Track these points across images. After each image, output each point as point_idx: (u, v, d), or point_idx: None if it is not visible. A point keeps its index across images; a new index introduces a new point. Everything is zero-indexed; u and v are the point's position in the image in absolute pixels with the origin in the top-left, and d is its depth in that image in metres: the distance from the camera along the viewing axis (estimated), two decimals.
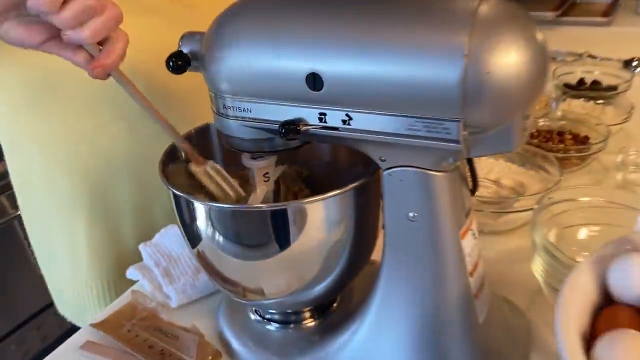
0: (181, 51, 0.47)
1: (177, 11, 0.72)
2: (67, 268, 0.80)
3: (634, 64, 1.18)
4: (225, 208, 0.48)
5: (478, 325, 0.48)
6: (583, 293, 0.40)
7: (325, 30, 0.40)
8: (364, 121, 0.40)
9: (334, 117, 0.41)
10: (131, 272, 0.69)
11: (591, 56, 1.24)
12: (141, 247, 0.70)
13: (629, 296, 0.39)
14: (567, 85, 1.03)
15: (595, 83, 1.04)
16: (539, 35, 0.38)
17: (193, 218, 0.49)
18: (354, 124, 0.41)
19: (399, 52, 0.37)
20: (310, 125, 0.42)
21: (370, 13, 0.39)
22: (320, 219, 0.48)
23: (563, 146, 0.81)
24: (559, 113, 0.91)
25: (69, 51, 0.47)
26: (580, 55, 1.25)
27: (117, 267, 0.78)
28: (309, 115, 0.42)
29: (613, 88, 1.00)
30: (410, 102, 0.38)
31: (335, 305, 0.59)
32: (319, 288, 0.52)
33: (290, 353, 0.54)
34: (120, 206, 0.76)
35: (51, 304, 1.88)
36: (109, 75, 0.48)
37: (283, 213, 0.45)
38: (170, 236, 0.71)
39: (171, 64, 0.47)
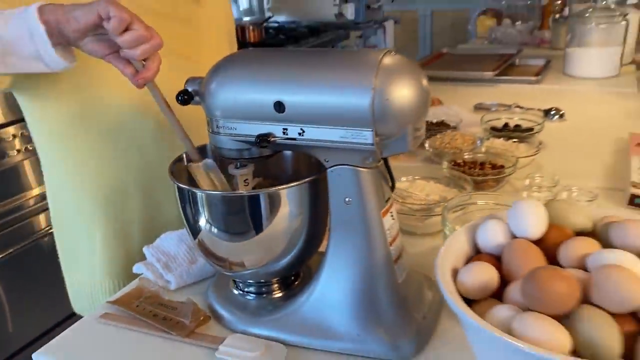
0: (187, 89, 0.67)
1: (174, 61, 0.92)
2: (86, 271, 0.96)
3: (552, 112, 1.42)
4: (216, 194, 0.68)
5: (398, 284, 0.67)
6: (459, 247, 0.59)
7: (286, 74, 0.61)
8: (313, 133, 0.61)
9: (293, 131, 0.61)
10: (137, 267, 0.86)
11: (519, 107, 1.48)
12: (145, 248, 0.88)
13: (488, 247, 0.59)
14: (493, 128, 1.26)
15: (517, 126, 1.27)
16: (424, 80, 0.59)
17: (193, 207, 0.68)
18: (306, 135, 0.61)
19: (331, 87, 0.58)
20: (277, 137, 0.62)
21: (314, 63, 0.61)
22: (285, 209, 0.67)
23: (482, 172, 1.03)
24: (483, 149, 1.13)
25: (121, 64, 0.68)
26: (509, 106, 1.49)
27: (125, 268, 0.95)
28: (276, 129, 0.62)
29: (530, 130, 1.23)
30: (340, 119, 0.58)
31: (297, 282, 0.77)
32: (283, 262, 0.70)
33: (262, 314, 0.72)
34: (130, 218, 0.93)
35: (45, 334, 1.99)
36: (144, 85, 0.68)
37: (257, 198, 0.65)
38: (169, 239, 0.89)
39: (180, 98, 0.67)
